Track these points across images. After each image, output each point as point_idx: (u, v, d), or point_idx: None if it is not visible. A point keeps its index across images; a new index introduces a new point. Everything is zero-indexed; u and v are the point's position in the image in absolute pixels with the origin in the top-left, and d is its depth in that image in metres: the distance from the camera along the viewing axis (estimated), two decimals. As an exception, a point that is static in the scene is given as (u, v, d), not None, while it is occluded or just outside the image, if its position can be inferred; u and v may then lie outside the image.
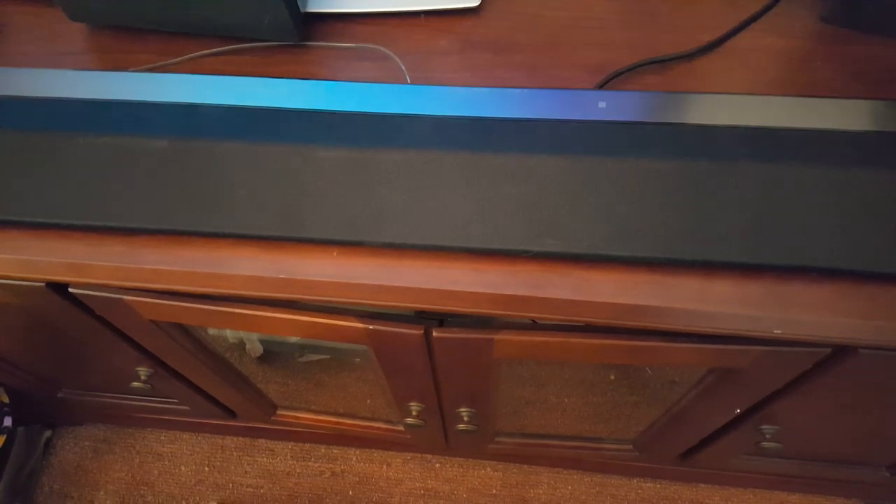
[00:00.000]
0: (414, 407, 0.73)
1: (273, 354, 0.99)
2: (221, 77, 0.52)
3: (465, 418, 0.73)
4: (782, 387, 0.59)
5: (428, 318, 0.55)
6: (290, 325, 0.54)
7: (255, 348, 0.95)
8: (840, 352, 0.51)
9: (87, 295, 0.56)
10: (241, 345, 0.91)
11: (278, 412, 0.95)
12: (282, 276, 0.47)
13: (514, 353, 0.55)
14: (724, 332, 0.46)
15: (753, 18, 0.57)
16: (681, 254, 0.45)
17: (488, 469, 1.11)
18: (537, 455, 1.03)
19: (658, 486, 1.09)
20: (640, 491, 1.08)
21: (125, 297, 0.55)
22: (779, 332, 0.45)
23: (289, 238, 0.47)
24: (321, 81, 0.50)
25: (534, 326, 0.53)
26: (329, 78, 0.55)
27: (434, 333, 0.53)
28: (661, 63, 0.55)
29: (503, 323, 0.54)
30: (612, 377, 0.96)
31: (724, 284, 0.45)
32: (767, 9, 0.57)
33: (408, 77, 0.54)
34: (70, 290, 0.55)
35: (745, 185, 0.45)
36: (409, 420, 0.73)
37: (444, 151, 0.47)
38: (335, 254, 0.47)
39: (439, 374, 0.63)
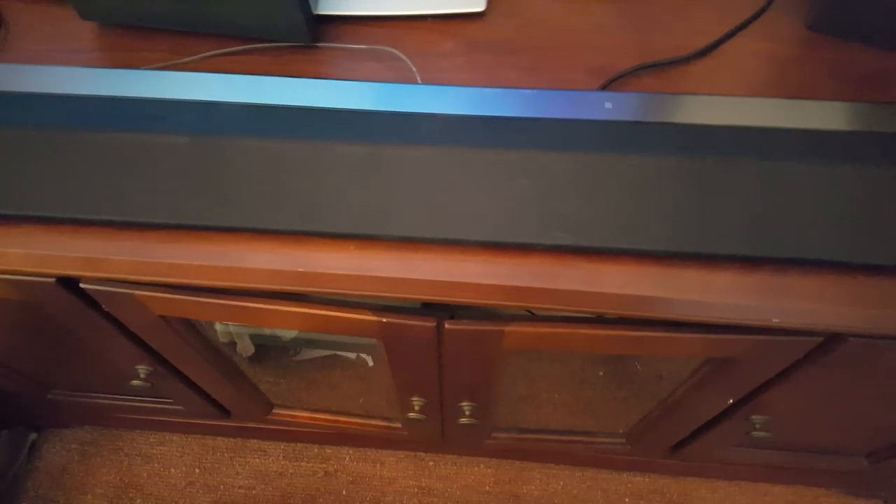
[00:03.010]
0: (416, 402, 0.74)
1: (264, 354, 0.99)
2: (237, 76, 0.53)
3: (467, 412, 0.74)
4: (774, 376, 0.62)
5: (437, 311, 0.56)
6: (304, 320, 0.55)
7: (247, 347, 0.95)
8: (831, 340, 0.54)
9: (98, 290, 0.56)
10: (231, 344, 0.92)
11: (274, 411, 0.96)
12: (299, 270, 0.48)
13: (523, 345, 0.57)
14: (725, 321, 0.48)
15: (744, 25, 0.60)
16: (684, 246, 0.47)
17: (481, 466, 1.12)
18: (531, 450, 1.05)
19: (647, 479, 1.11)
20: (630, 485, 1.11)
21: (136, 293, 0.55)
22: (777, 320, 0.48)
23: (305, 232, 0.48)
24: (336, 81, 0.52)
25: (542, 318, 0.54)
26: (341, 78, 0.56)
27: (446, 326, 0.54)
28: (660, 67, 0.57)
29: (510, 315, 0.56)
30: (601, 373, 0.99)
31: (725, 276, 0.48)
32: (756, 16, 0.60)
33: (418, 77, 0.56)
34: (81, 285, 0.56)
35: (743, 181, 0.48)
36: (412, 415, 0.74)
37: (457, 148, 0.49)
38: (352, 247, 0.49)
39: (445, 367, 0.64)
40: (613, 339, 0.54)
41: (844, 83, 0.57)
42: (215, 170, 0.49)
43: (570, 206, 0.47)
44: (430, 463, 1.13)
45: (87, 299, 0.59)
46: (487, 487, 1.10)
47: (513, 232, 0.47)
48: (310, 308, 0.54)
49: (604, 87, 0.55)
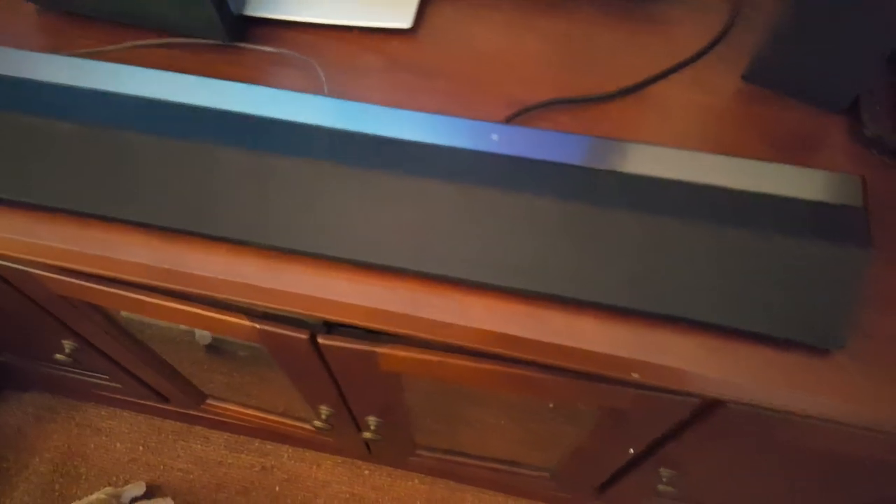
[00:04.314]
0: (323, 410, 0.74)
1: (221, 346, 1.00)
2: (143, 69, 0.53)
3: (372, 427, 0.73)
4: (669, 432, 0.60)
5: (330, 325, 0.56)
6: (182, 315, 0.55)
7: (204, 336, 0.96)
8: (712, 404, 0.52)
9: (-1, 264, 0.57)
10: (190, 332, 0.93)
11: (207, 401, 0.97)
12: (165, 267, 0.48)
13: (401, 368, 0.56)
14: (585, 369, 0.47)
15: (675, 69, 0.58)
16: (553, 289, 0.46)
17: (416, 482, 1.11)
18: (464, 473, 1.04)
19: (582, 518, 1.09)
20: (563, 521, 1.09)
21: (31, 271, 0.56)
22: (636, 375, 0.46)
23: (180, 230, 0.48)
24: (233, 83, 0.51)
25: (415, 344, 0.53)
26: (253, 80, 0.56)
27: (319, 340, 0.54)
28: (575, 103, 0.56)
29: (392, 337, 0.55)
30: (551, 405, 0.97)
31: (590, 323, 0.46)
32: (691, 60, 0.59)
33: (326, 88, 0.55)
34: (-23, 256, 0.57)
35: (624, 230, 0.46)
36: (317, 423, 0.74)
37: (340, 165, 0.48)
38: (223, 251, 0.49)
39: (340, 380, 0.64)
40: (484, 374, 0.53)
41: (768, 141, 0.55)
42: (105, 159, 0.49)
43: (443, 235, 0.47)
44: (366, 472, 1.12)
45: (-4, 271, 0.60)
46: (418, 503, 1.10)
47: (384, 254, 0.47)
48: (186, 305, 0.54)
49: (510, 120, 0.54)
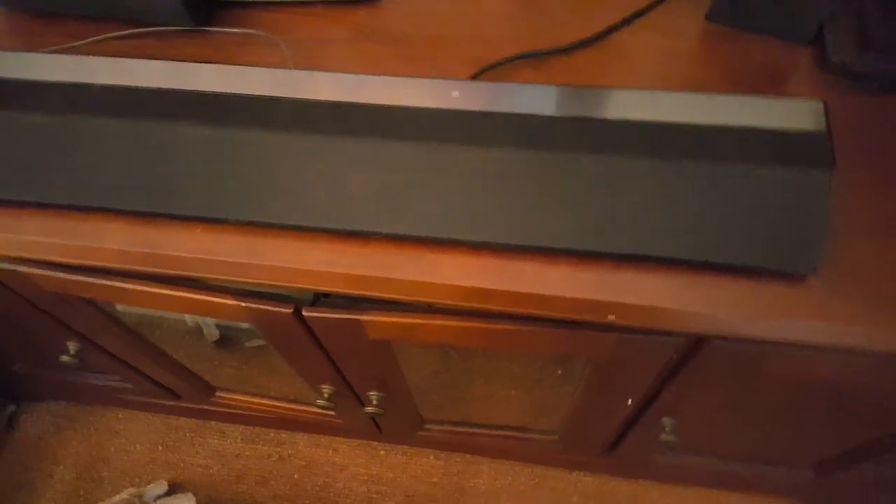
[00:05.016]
0: (325, 389, 0.75)
1: (230, 339, 1.01)
2: (109, 59, 0.53)
3: (374, 402, 0.74)
4: (661, 379, 0.60)
5: (322, 298, 0.56)
6: (169, 301, 0.56)
7: (212, 333, 0.97)
8: (697, 344, 0.52)
9: (-13, 265, 0.58)
10: (198, 329, 0.94)
11: (217, 394, 0.98)
12: (145, 251, 0.49)
13: (388, 334, 0.57)
14: (555, 316, 0.47)
15: (637, 15, 0.58)
16: (522, 239, 0.46)
17: (431, 458, 1.12)
18: (472, 444, 1.05)
19: (597, 480, 1.09)
20: (579, 485, 1.09)
21: (20, 269, 0.57)
22: (612, 318, 0.46)
23: (156, 213, 0.49)
24: (195, 64, 0.52)
25: (398, 308, 0.54)
26: (220, 62, 0.57)
27: (304, 313, 0.55)
28: (539, 57, 0.56)
29: (376, 303, 0.56)
30: (560, 372, 0.97)
31: (562, 270, 0.47)
32: (652, 6, 0.59)
33: (290, 63, 0.56)
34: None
35: (588, 174, 0.46)
36: (320, 402, 0.75)
37: (306, 134, 0.49)
38: (199, 230, 0.50)
39: (333, 354, 0.64)
40: (468, 332, 0.54)
41: (736, 77, 0.55)
42: (78, 149, 0.50)
43: (411, 195, 0.47)
44: (382, 452, 1.13)
45: (-11, 274, 0.61)
46: (435, 479, 1.11)
47: (355, 220, 0.47)
48: (172, 290, 0.55)
49: (474, 78, 0.55)
